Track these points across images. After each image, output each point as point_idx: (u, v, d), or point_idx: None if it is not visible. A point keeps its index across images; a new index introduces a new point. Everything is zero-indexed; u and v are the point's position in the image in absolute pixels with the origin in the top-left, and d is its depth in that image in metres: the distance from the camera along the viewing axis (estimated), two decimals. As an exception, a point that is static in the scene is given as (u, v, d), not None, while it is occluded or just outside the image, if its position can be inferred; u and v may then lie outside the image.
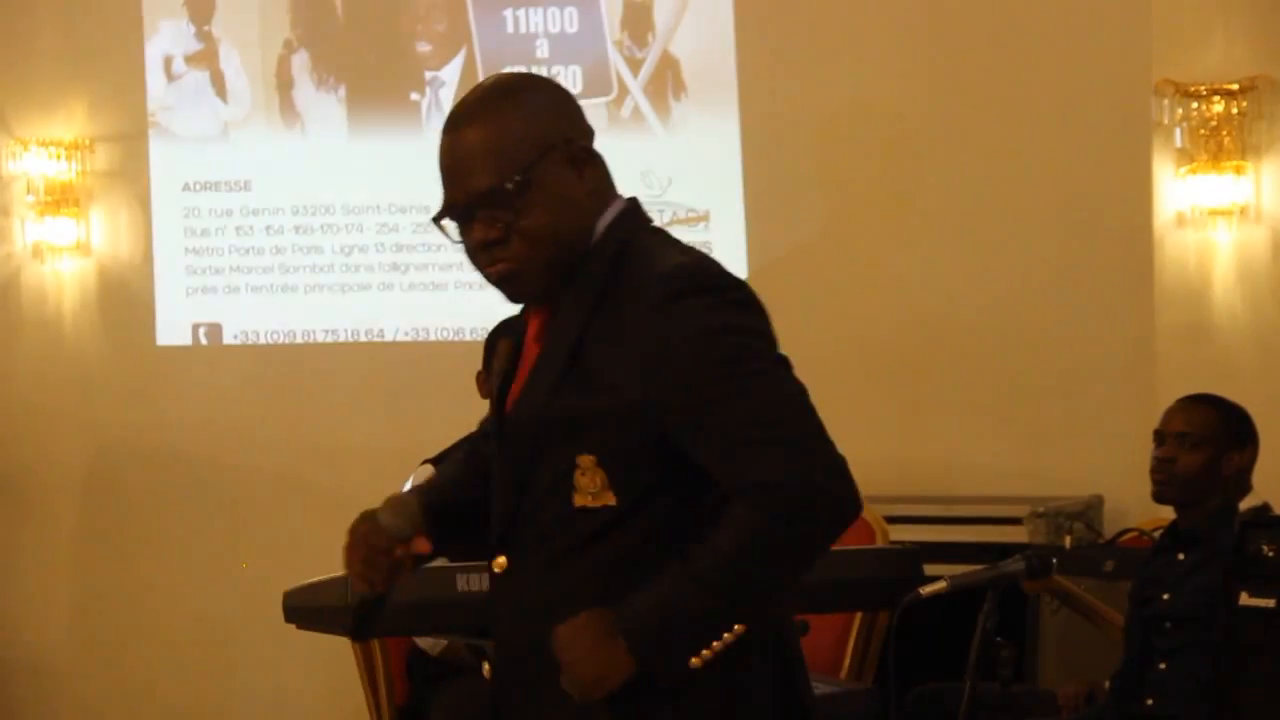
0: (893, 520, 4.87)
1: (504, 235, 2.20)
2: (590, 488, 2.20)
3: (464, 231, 2.24)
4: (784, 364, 2.23)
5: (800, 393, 2.20)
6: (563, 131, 2.21)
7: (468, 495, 2.49)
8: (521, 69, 6.42)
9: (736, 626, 2.18)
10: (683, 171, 5.95)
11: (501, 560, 2.31)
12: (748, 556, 2.13)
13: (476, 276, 2.52)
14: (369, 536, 2.33)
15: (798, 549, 2.15)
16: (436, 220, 2.30)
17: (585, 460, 2.19)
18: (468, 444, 2.61)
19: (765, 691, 2.28)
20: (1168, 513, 4.24)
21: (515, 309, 2.42)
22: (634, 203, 2.28)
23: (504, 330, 2.47)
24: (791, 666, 2.33)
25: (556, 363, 2.23)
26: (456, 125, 2.27)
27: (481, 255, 2.22)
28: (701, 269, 2.24)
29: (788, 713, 2.32)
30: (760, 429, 2.13)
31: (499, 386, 2.36)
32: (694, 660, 2.14)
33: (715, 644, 2.17)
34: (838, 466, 2.14)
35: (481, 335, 4.15)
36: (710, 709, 2.23)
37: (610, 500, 2.17)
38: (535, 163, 2.19)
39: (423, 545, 2.39)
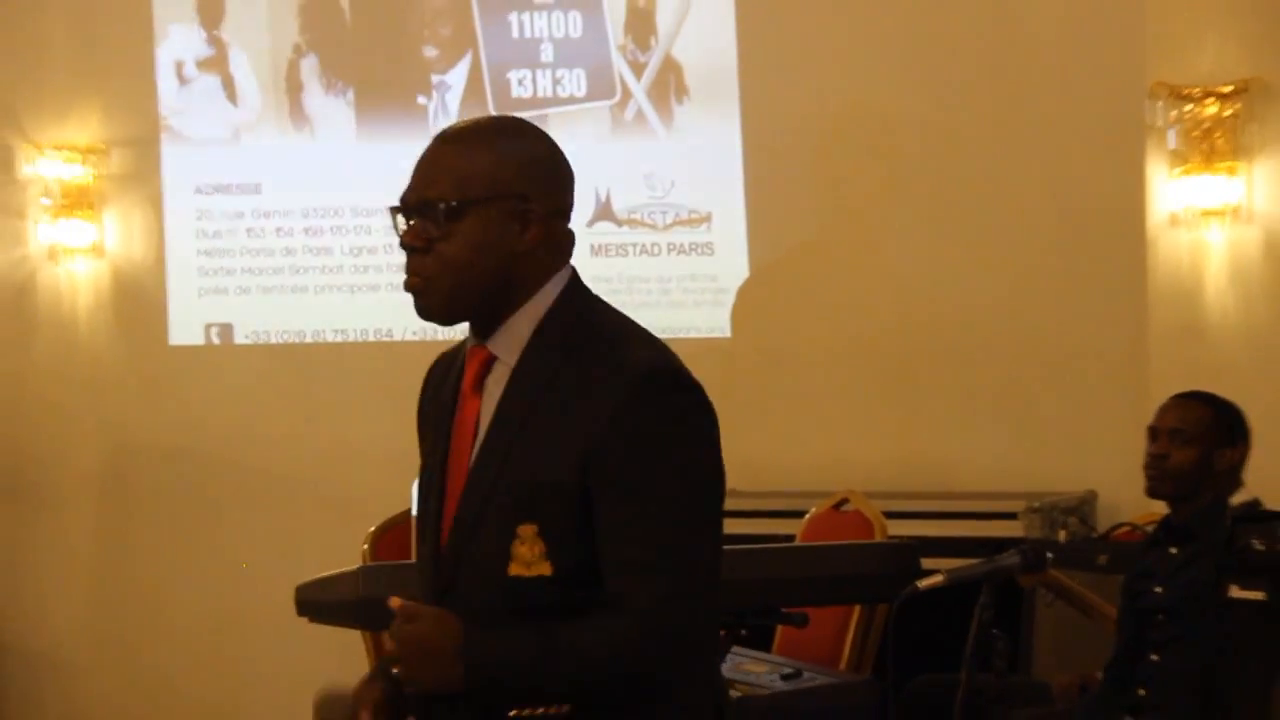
0: (891, 515, 4.89)
1: (425, 248, 2.23)
2: (527, 557, 2.21)
3: (403, 231, 2.31)
4: (715, 479, 2.31)
5: (712, 519, 2.28)
6: (523, 189, 2.23)
7: None
8: (526, 73, 6.54)
9: (561, 708, 2.21)
10: (685, 174, 5.95)
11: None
12: (602, 663, 2.19)
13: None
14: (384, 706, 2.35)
15: (642, 670, 2.23)
16: (393, 209, 2.33)
17: (526, 530, 2.21)
18: None
19: None
20: (1160, 507, 4.25)
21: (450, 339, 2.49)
22: (576, 275, 2.33)
23: (440, 366, 2.49)
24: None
25: (510, 429, 2.26)
26: (440, 138, 2.32)
27: (407, 261, 2.28)
28: (677, 369, 2.28)
29: None
30: (662, 556, 2.17)
31: (445, 438, 2.40)
32: (512, 712, 2.19)
33: (535, 710, 2.22)
34: (701, 601, 2.25)
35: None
36: None
37: (545, 570, 2.19)
38: (479, 201, 2.22)
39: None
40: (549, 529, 2.18)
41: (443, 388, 2.37)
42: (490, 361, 2.27)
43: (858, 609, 4.68)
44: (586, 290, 2.35)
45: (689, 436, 2.25)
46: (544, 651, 2.18)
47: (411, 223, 2.24)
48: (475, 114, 6.54)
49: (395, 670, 2.25)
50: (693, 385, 2.28)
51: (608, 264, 6.10)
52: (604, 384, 2.21)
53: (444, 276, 2.22)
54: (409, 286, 2.27)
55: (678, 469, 2.21)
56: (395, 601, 2.27)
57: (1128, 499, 4.92)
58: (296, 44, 6.26)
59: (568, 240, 2.30)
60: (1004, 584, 4.02)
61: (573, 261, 2.32)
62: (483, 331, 2.29)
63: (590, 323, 2.29)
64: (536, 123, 2.60)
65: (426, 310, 2.27)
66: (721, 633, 3.98)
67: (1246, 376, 4.91)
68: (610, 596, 2.16)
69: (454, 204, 2.20)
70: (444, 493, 2.32)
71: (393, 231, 2.45)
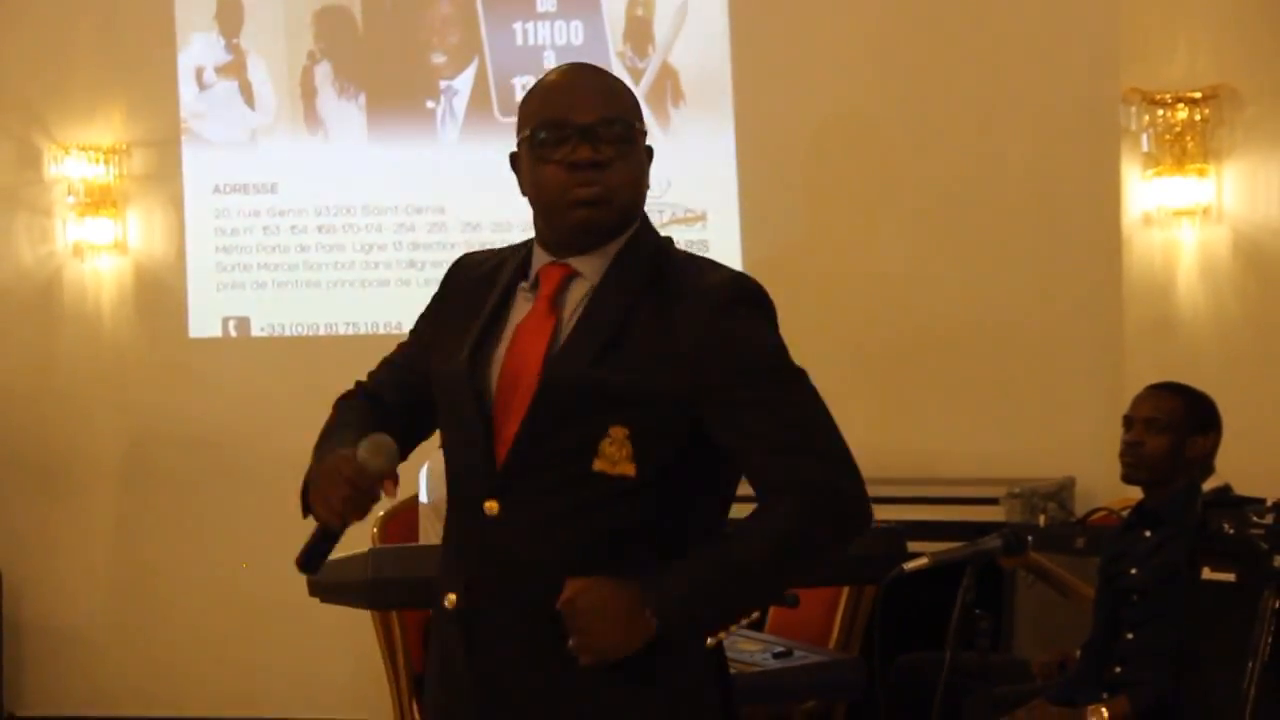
0: (878, 501, 4.69)
1: (608, 163, 2.21)
2: (614, 456, 2.16)
3: (567, 149, 2.26)
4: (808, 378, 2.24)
5: (825, 406, 2.22)
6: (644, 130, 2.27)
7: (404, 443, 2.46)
8: (529, 79, 6.41)
9: (753, 613, 2.17)
10: (681, 174, 5.89)
11: (493, 505, 2.25)
12: (785, 550, 2.14)
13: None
14: (354, 478, 2.28)
15: (827, 547, 2.18)
16: (536, 134, 2.30)
17: (618, 431, 2.16)
18: (357, 398, 2.61)
19: (713, 674, 2.27)
20: (1135, 493, 4.26)
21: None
22: (646, 215, 2.32)
23: (469, 267, 2.46)
24: (721, 655, 2.32)
25: (601, 334, 2.20)
26: (587, 69, 2.37)
27: (579, 174, 2.23)
28: (758, 286, 2.25)
29: (726, 691, 2.31)
30: (803, 436, 2.14)
31: (479, 337, 2.33)
32: (710, 640, 2.15)
33: (733, 626, 2.18)
34: (860, 477, 2.17)
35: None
36: (686, 686, 2.23)
37: (629, 471, 2.14)
38: (642, 131, 2.24)
39: (391, 489, 2.35)
40: (639, 432, 2.14)
41: (477, 288, 2.38)
42: (569, 278, 2.26)
43: (846, 590, 4.61)
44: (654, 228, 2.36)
45: (778, 338, 2.22)
46: (730, 562, 2.16)
47: (590, 141, 2.23)
48: (481, 119, 6.53)
49: (574, 646, 2.20)
50: (769, 302, 2.28)
51: None
52: (695, 296, 2.19)
53: (622, 191, 2.23)
54: (592, 196, 2.24)
55: (784, 364, 2.19)
56: (390, 489, 2.29)
57: (1104, 485, 4.90)
58: (311, 51, 6.26)
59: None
60: (986, 566, 4.00)
61: None
62: (582, 248, 2.28)
63: (667, 250, 2.28)
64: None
65: (600, 220, 2.26)
66: None
67: (1217, 368, 4.91)
68: (770, 487, 2.14)
69: (640, 127, 2.24)
70: (482, 391, 2.29)
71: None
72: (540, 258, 2.28)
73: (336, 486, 2.26)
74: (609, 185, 2.20)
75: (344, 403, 2.56)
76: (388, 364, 2.57)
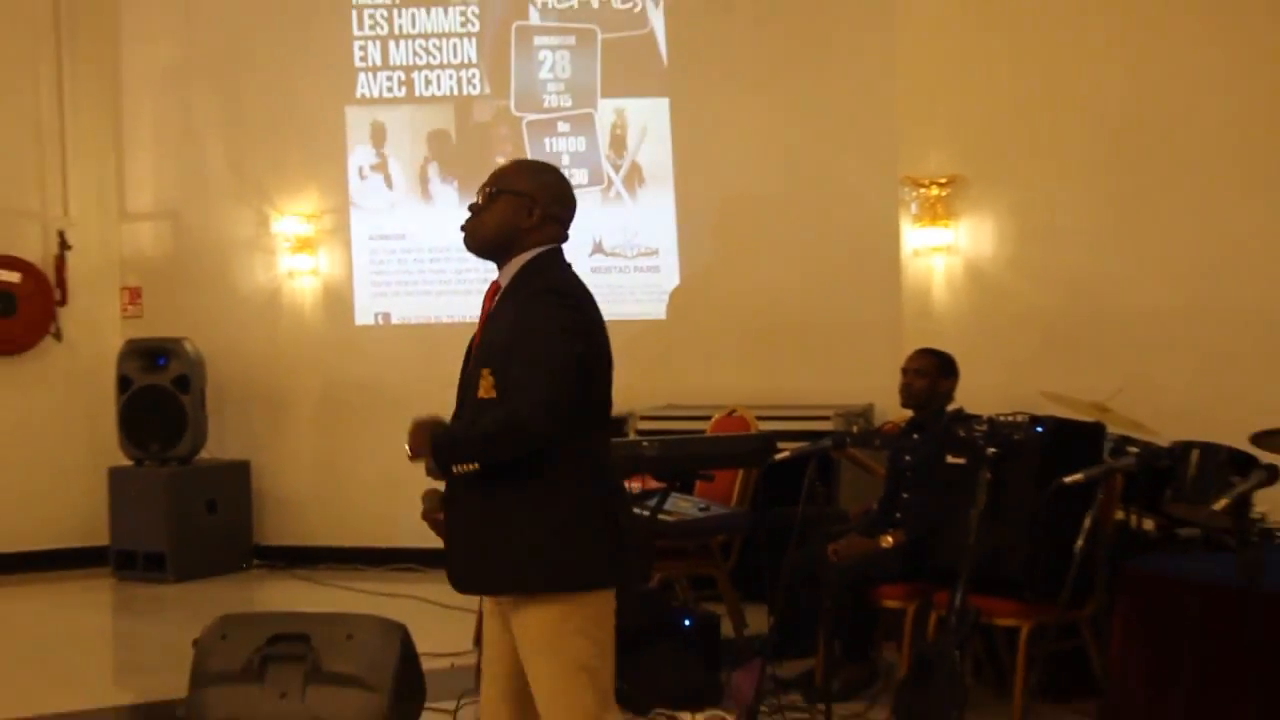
0: (761, 418, 5.09)
1: (476, 213, 2.28)
2: (485, 387, 2.20)
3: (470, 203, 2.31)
4: (576, 345, 2.15)
5: (567, 366, 2.13)
6: (538, 198, 2.26)
7: None
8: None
9: (473, 465, 2.19)
10: (643, 227, 6.30)
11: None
12: (486, 437, 2.18)
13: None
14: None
15: (507, 444, 2.17)
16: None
17: (485, 373, 2.21)
18: None
19: (579, 500, 2.22)
20: (908, 414, 4.42)
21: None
22: (558, 249, 2.30)
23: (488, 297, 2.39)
24: (611, 493, 2.28)
25: (494, 319, 2.25)
26: (516, 160, 2.44)
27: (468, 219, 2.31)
28: (561, 285, 2.24)
29: (602, 518, 2.23)
30: (527, 381, 2.15)
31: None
32: (455, 469, 2.19)
33: (465, 466, 2.20)
34: (544, 414, 2.11)
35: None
36: (541, 502, 2.21)
37: (492, 394, 2.19)
38: (508, 194, 2.26)
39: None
40: (495, 373, 2.20)
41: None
42: (499, 288, 2.29)
43: (742, 471, 4.86)
44: (561, 259, 2.30)
45: (555, 324, 2.17)
46: (466, 430, 2.24)
47: (477, 195, 2.31)
48: None
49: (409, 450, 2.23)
50: (569, 294, 2.22)
51: (600, 279, 6.17)
52: (526, 293, 2.22)
53: (479, 230, 2.27)
54: (462, 227, 2.28)
55: (543, 340, 2.15)
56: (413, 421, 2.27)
57: (890, 408, 5.08)
58: (425, 155, 6.58)
59: (557, 229, 2.30)
60: (824, 457, 3.85)
61: (579, 275, 2.31)
62: (497, 267, 2.28)
63: (543, 271, 2.26)
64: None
65: (467, 245, 2.29)
66: (664, 485, 4.26)
67: (955, 340, 5.08)
68: (501, 403, 2.19)
69: (496, 191, 2.27)
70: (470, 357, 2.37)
71: (476, 259, 2.33)
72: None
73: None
74: (471, 225, 2.28)
75: None
76: None
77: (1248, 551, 3.26)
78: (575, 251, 2.43)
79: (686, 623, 4.17)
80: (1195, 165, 5.11)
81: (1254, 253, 5.04)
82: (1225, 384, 5.00)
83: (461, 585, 2.24)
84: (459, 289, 6.35)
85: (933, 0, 5.47)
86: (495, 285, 2.29)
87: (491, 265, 2.36)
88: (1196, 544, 4.24)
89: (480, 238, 2.24)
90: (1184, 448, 3.82)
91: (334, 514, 6.71)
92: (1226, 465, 3.73)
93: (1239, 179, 5.09)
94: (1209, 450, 3.78)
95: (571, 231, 2.38)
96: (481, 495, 2.16)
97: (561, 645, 2.14)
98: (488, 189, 2.26)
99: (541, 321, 2.12)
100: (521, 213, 2.20)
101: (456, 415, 2.29)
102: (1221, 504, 3.33)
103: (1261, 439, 3.72)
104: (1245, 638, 3.08)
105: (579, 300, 2.20)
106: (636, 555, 2.49)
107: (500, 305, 2.23)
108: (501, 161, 6.26)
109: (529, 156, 6.19)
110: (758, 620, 4.69)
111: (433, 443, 2.16)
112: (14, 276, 6.53)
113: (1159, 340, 5.14)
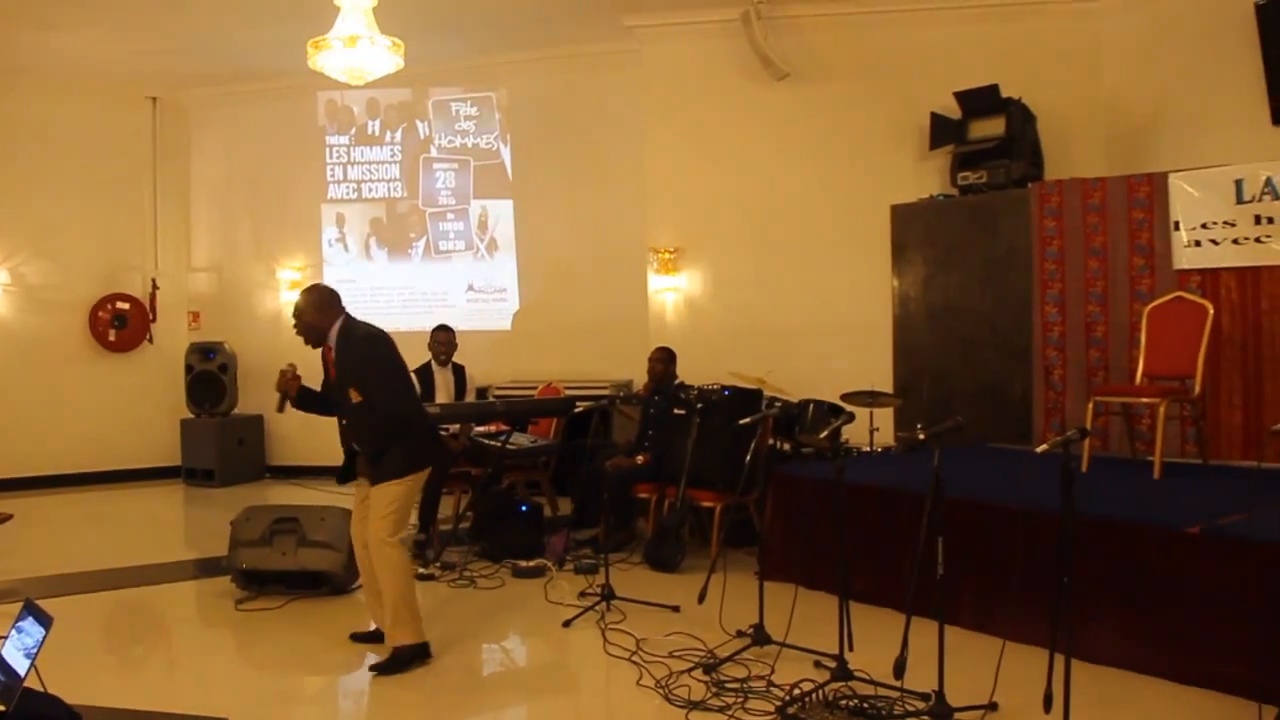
0: (568, 388, 6.22)
1: (299, 330, 3.47)
2: (355, 396, 3.28)
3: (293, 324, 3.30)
4: (393, 369, 3.26)
5: (398, 380, 3.17)
6: (318, 303, 3.43)
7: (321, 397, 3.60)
8: (447, 241, 7.28)
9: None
10: (496, 277, 7.81)
11: (345, 419, 3.44)
12: (372, 426, 3.31)
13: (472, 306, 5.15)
14: (290, 374, 3.34)
15: (382, 431, 3.36)
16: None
17: (353, 389, 3.31)
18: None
19: (412, 450, 3.44)
20: (650, 385, 5.45)
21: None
22: (347, 314, 3.28)
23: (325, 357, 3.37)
24: (424, 443, 3.36)
25: (339, 362, 3.34)
26: (301, 294, 3.38)
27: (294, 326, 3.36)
28: (372, 332, 3.24)
29: (421, 461, 3.46)
30: (377, 395, 3.28)
31: (329, 369, 3.36)
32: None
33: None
34: (391, 412, 3.13)
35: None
36: (401, 452, 3.43)
37: (359, 399, 3.35)
38: (306, 314, 3.44)
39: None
40: (355, 387, 3.35)
41: (326, 360, 3.35)
42: (330, 349, 3.43)
43: (556, 419, 5.95)
44: (351, 318, 3.41)
45: (378, 352, 3.28)
46: (371, 430, 3.09)
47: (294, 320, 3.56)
48: (428, 253, 7.30)
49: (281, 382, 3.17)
50: (380, 333, 3.24)
51: (472, 306, 7.51)
52: (354, 340, 3.30)
53: (301, 328, 3.54)
54: (298, 333, 3.33)
55: (376, 366, 3.23)
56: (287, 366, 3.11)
57: (640, 380, 5.93)
58: (368, 233, 8.26)
59: (338, 311, 3.49)
60: (603, 410, 5.31)
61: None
62: (320, 342, 3.45)
63: (351, 328, 3.41)
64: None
65: (304, 339, 3.33)
66: (509, 427, 5.55)
67: (677, 341, 6.20)
68: (371, 409, 3.35)
69: (298, 318, 3.51)
70: (330, 383, 3.51)
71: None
72: (328, 346, 3.43)
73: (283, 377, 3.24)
74: (298, 328, 3.46)
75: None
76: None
77: (837, 460, 3.79)
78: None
79: (523, 508, 5.19)
80: (808, 237, 6.79)
81: (842, 289, 6.72)
82: (827, 366, 6.44)
83: (371, 480, 3.51)
84: (388, 314, 7.89)
85: (666, 142, 7.01)
86: (328, 347, 3.42)
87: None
88: (811, 457, 5.38)
89: (311, 338, 3.40)
90: (806, 403, 5.02)
91: (313, 445, 8.19)
92: (828, 412, 4.96)
93: (832, 245, 6.74)
94: (819, 404, 4.98)
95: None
96: (370, 445, 3.34)
97: (390, 494, 3.52)
98: (293, 316, 3.24)
99: (368, 353, 3.12)
100: (317, 317, 3.32)
101: (325, 385, 3.35)
102: (824, 434, 3.99)
103: (847, 397, 4.70)
104: (835, 508, 3.71)
105: (382, 336, 3.22)
106: (436, 458, 3.52)
107: (339, 353, 3.31)
108: (413, 237, 7.63)
109: (428, 236, 7.74)
110: (565, 506, 5.84)
111: (369, 444, 2.99)
112: (126, 305, 8.45)
113: (791, 341, 6.61)
